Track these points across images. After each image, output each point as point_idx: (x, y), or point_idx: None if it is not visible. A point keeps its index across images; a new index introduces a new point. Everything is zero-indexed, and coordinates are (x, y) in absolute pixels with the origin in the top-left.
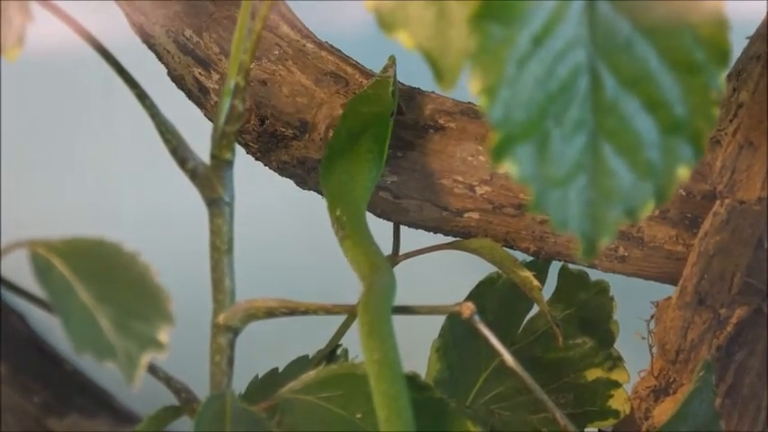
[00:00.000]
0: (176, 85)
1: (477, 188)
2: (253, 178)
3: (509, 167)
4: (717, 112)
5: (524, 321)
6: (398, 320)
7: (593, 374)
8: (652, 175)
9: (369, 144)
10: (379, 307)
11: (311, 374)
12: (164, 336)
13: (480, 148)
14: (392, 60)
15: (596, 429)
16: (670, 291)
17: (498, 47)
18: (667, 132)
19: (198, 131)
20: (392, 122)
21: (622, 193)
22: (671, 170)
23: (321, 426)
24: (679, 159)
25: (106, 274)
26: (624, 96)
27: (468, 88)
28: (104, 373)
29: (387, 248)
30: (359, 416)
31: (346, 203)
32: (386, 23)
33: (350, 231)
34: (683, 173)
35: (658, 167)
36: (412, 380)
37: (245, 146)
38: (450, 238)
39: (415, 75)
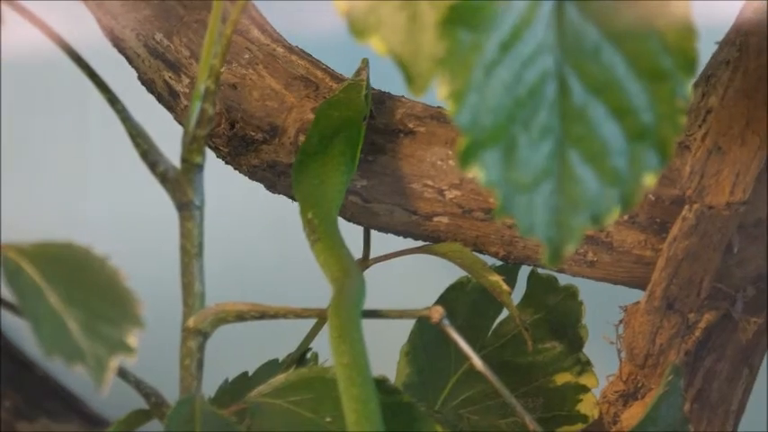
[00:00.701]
0: (146, 88)
1: (446, 192)
2: (223, 182)
3: (476, 172)
4: (683, 119)
5: (494, 325)
6: (368, 324)
7: (562, 379)
8: (618, 182)
9: (341, 147)
10: (348, 311)
11: (281, 378)
12: (133, 339)
13: (450, 152)
14: (365, 63)
15: None
16: (639, 295)
17: (466, 52)
18: (634, 139)
19: (168, 135)
20: (365, 126)
21: (588, 200)
22: (637, 177)
23: (291, 429)
24: (645, 167)
25: (75, 278)
26: (592, 103)
27: (437, 93)
28: (74, 377)
29: (357, 252)
30: (328, 419)
31: (318, 207)
32: (357, 29)
33: (321, 235)
34: (650, 180)
35: (624, 174)
36: (381, 384)
37: (216, 149)
38: (420, 243)
39: (385, 78)
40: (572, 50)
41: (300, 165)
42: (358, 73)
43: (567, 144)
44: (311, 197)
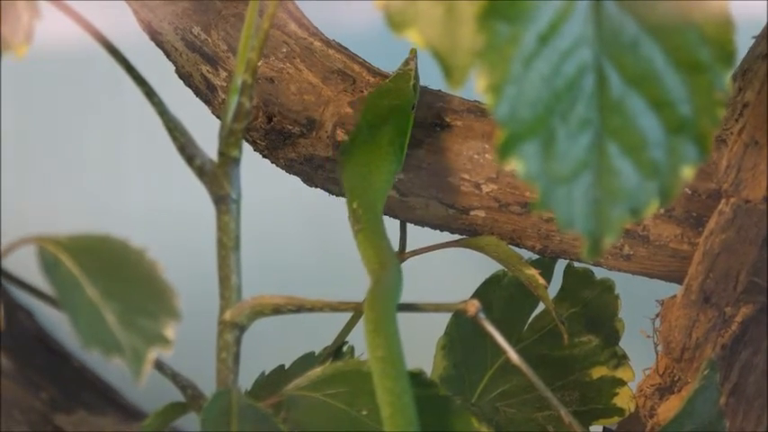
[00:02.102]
0: (184, 82)
1: (483, 186)
2: (260, 176)
3: (515, 165)
4: (722, 112)
5: (530, 319)
6: (404, 318)
7: (598, 372)
8: (657, 175)
9: (389, 136)
10: (384, 304)
11: (317, 371)
12: (170, 332)
13: (486, 146)
14: (413, 54)
15: (601, 427)
16: (675, 289)
17: (505, 45)
18: (672, 132)
19: (206, 129)
20: (413, 115)
21: (627, 192)
22: (676, 170)
23: (327, 422)
24: (684, 159)
25: (113, 271)
26: (630, 95)
27: (475, 86)
28: (111, 369)
29: (394, 246)
30: (365, 413)
31: (364, 196)
32: (395, 22)
33: (364, 225)
34: (688, 173)
35: (663, 167)
36: (417, 377)
37: (253, 143)
38: (456, 236)
39: (422, 72)
40: (610, 43)
41: (348, 153)
42: (406, 63)
43: (605, 136)
44: (358, 186)
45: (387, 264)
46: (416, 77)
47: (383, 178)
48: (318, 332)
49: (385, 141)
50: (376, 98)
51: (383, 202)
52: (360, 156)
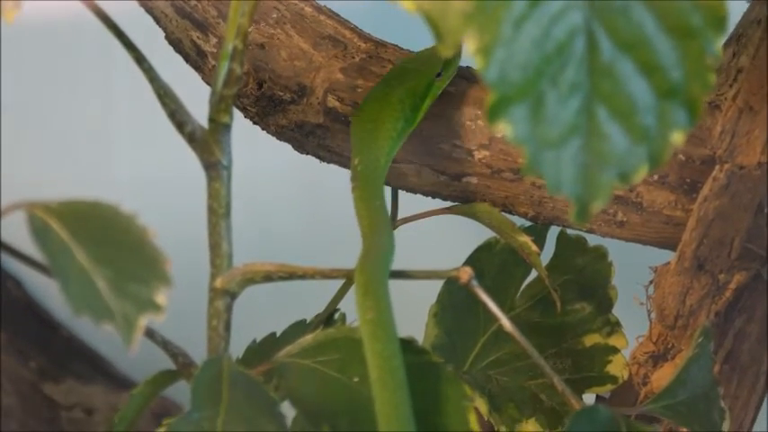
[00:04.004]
0: (174, 48)
1: (475, 153)
2: (251, 142)
3: (504, 128)
4: (713, 77)
5: (522, 286)
6: (396, 285)
7: (591, 340)
8: (646, 140)
9: (400, 95)
10: (375, 268)
11: (308, 338)
12: (162, 298)
13: (479, 112)
14: None
15: (594, 395)
16: (669, 256)
17: (495, 7)
18: (662, 97)
19: (196, 96)
20: (437, 82)
21: (616, 157)
22: (665, 135)
23: (318, 389)
24: (674, 124)
25: (104, 237)
26: (620, 59)
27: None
28: (101, 338)
29: None
30: (356, 380)
31: (366, 153)
32: None
33: (361, 183)
34: (678, 138)
35: (653, 132)
36: (409, 344)
37: (243, 110)
38: (448, 203)
39: (414, 39)
40: (601, 6)
41: (359, 110)
42: None
43: (595, 100)
44: (361, 142)
45: (379, 226)
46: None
47: (388, 135)
48: (310, 299)
49: (395, 99)
50: (404, 61)
51: (387, 161)
52: (369, 112)
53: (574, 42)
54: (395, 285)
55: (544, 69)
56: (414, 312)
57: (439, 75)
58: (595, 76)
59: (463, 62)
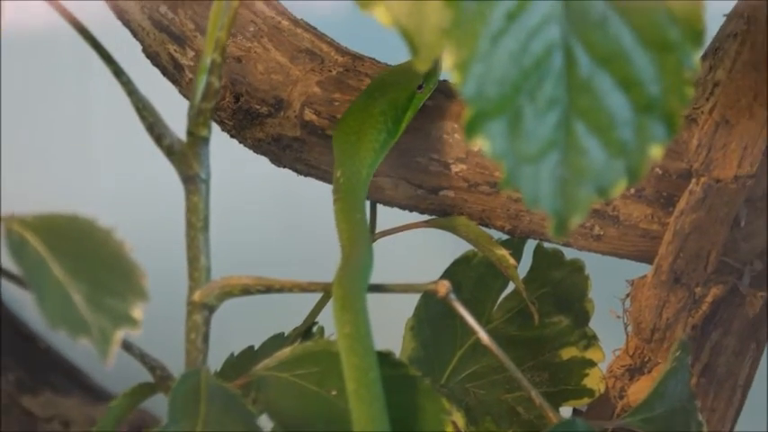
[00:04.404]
0: (151, 62)
1: (452, 166)
2: (228, 156)
3: (482, 143)
4: (691, 91)
5: (499, 300)
6: (374, 299)
7: (568, 353)
8: (624, 154)
9: (383, 107)
10: (353, 281)
11: (286, 351)
12: (138, 312)
13: (456, 126)
14: None
15: (571, 408)
16: (645, 269)
17: (472, 22)
18: (641, 111)
19: (174, 109)
20: (419, 94)
21: (594, 171)
22: (643, 149)
23: (296, 403)
24: (652, 138)
25: (80, 250)
26: (598, 74)
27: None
28: (78, 350)
29: None
30: (334, 393)
31: (348, 165)
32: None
33: (342, 194)
34: (656, 152)
35: (631, 146)
36: (386, 357)
37: (220, 123)
38: (425, 216)
39: (391, 51)
40: (578, 21)
41: (341, 122)
42: None
43: (573, 115)
44: (344, 155)
45: (358, 239)
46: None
47: (370, 147)
48: (288, 313)
49: (377, 111)
50: (385, 73)
51: (369, 173)
52: (351, 124)
53: (551, 57)
54: (373, 298)
55: (522, 84)
56: (391, 325)
57: (420, 87)
58: (573, 91)
59: (442, 75)
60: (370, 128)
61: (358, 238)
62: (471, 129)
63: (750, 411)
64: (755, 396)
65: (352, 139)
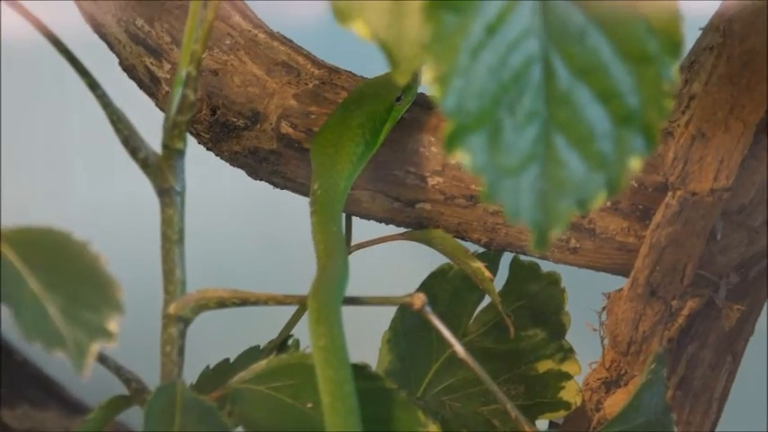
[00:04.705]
0: (127, 74)
1: (429, 179)
2: (204, 168)
3: (462, 157)
4: (670, 103)
5: (476, 312)
6: (349, 312)
7: (544, 366)
8: (604, 167)
9: (360, 119)
10: (328, 294)
11: (262, 364)
12: (113, 325)
13: (432, 139)
14: None
15: (548, 421)
16: (622, 282)
17: (452, 36)
18: (620, 123)
19: (150, 122)
20: (397, 106)
21: (574, 184)
22: (623, 161)
23: (272, 415)
24: (631, 151)
25: (56, 264)
26: (577, 86)
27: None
28: (55, 363)
29: None
30: (309, 405)
31: (325, 178)
32: (341, 13)
33: (319, 207)
34: (635, 164)
35: (610, 159)
36: (361, 370)
37: (197, 136)
38: (402, 229)
39: (368, 65)
40: (557, 34)
41: (319, 134)
42: None
43: (552, 128)
44: (321, 167)
45: (334, 252)
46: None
47: (348, 159)
48: (263, 326)
49: (355, 123)
50: (363, 85)
51: (347, 185)
52: (328, 136)
53: (530, 70)
54: (348, 311)
55: (501, 98)
56: (367, 338)
57: (399, 99)
58: (552, 104)
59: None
60: (348, 140)
61: (334, 250)
62: (451, 142)
63: (750, 411)
64: (755, 396)
65: (329, 151)
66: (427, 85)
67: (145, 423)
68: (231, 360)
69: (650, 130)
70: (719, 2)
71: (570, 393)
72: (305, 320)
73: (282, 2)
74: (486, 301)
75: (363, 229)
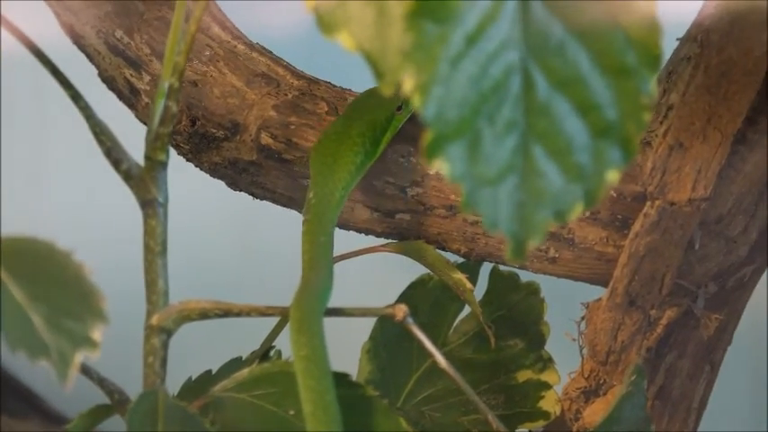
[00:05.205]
0: (107, 86)
1: (408, 189)
2: (186, 179)
3: (441, 166)
4: (648, 116)
5: (455, 323)
6: (330, 323)
7: (523, 376)
8: (582, 178)
9: (361, 129)
10: (310, 304)
11: (244, 373)
12: (97, 334)
13: (411, 149)
14: None
15: (527, 430)
16: (600, 292)
17: (432, 45)
18: (598, 136)
19: (131, 133)
20: (398, 115)
21: (552, 195)
22: (600, 173)
23: (254, 423)
24: (609, 163)
25: (40, 273)
26: (556, 98)
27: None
28: (35, 375)
29: None
30: (292, 413)
31: (322, 186)
32: (325, 24)
33: (311, 217)
34: (613, 176)
35: (588, 170)
36: (342, 378)
37: (177, 147)
38: (381, 240)
39: (348, 75)
40: (537, 45)
41: (318, 143)
42: None
43: (531, 139)
44: (319, 176)
45: (319, 263)
46: None
47: (346, 168)
48: (246, 337)
49: (355, 132)
50: (363, 95)
51: (343, 195)
52: (328, 145)
53: (510, 81)
54: (329, 322)
55: (481, 107)
56: (347, 349)
57: (399, 108)
58: (531, 115)
59: None
60: (347, 149)
61: (319, 260)
62: (431, 151)
63: (729, 421)
64: (734, 406)
65: (328, 160)
66: (407, 93)
67: (128, 430)
68: (213, 371)
69: (628, 143)
70: (697, 12)
71: (550, 403)
72: (287, 332)
73: (262, 13)
74: (467, 311)
75: (344, 239)
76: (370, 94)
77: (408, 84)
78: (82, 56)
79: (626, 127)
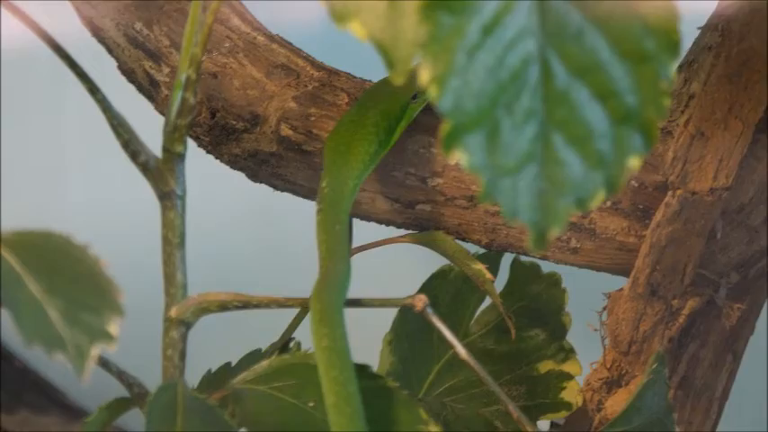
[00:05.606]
0: (126, 78)
1: (428, 180)
2: (205, 171)
3: (460, 157)
4: (668, 101)
5: (476, 314)
6: (351, 313)
7: (545, 367)
8: (602, 165)
9: (375, 118)
10: (330, 295)
11: (264, 365)
12: (114, 328)
13: (432, 140)
14: None
15: (549, 421)
16: (622, 282)
17: (448, 36)
18: (618, 122)
19: (150, 125)
20: (413, 105)
21: (573, 183)
22: (621, 160)
23: (274, 415)
24: (630, 149)
25: (56, 267)
26: (575, 86)
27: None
28: (55, 369)
29: None
30: (311, 404)
31: (335, 176)
32: (337, 14)
33: (325, 206)
34: (634, 163)
35: (609, 157)
36: (363, 369)
37: (196, 139)
38: (402, 231)
39: (366, 66)
40: (554, 34)
41: (333, 132)
42: None
43: (550, 127)
44: (332, 165)
45: (336, 253)
46: None
47: (359, 158)
48: (265, 329)
49: (369, 122)
50: (378, 84)
51: (357, 184)
52: (342, 134)
53: (528, 70)
54: (350, 313)
55: (499, 97)
56: (369, 340)
57: (414, 97)
58: (550, 103)
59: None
60: (361, 139)
61: (336, 250)
62: (449, 142)
63: (751, 411)
64: (756, 395)
65: (342, 149)
66: (424, 85)
67: (147, 423)
68: (233, 363)
69: (649, 129)
70: (718, 1)
71: (571, 394)
72: (306, 323)
73: (281, 4)
74: (487, 302)
75: (364, 230)
76: (385, 82)
77: (424, 76)
78: (97, 48)
79: (646, 113)
